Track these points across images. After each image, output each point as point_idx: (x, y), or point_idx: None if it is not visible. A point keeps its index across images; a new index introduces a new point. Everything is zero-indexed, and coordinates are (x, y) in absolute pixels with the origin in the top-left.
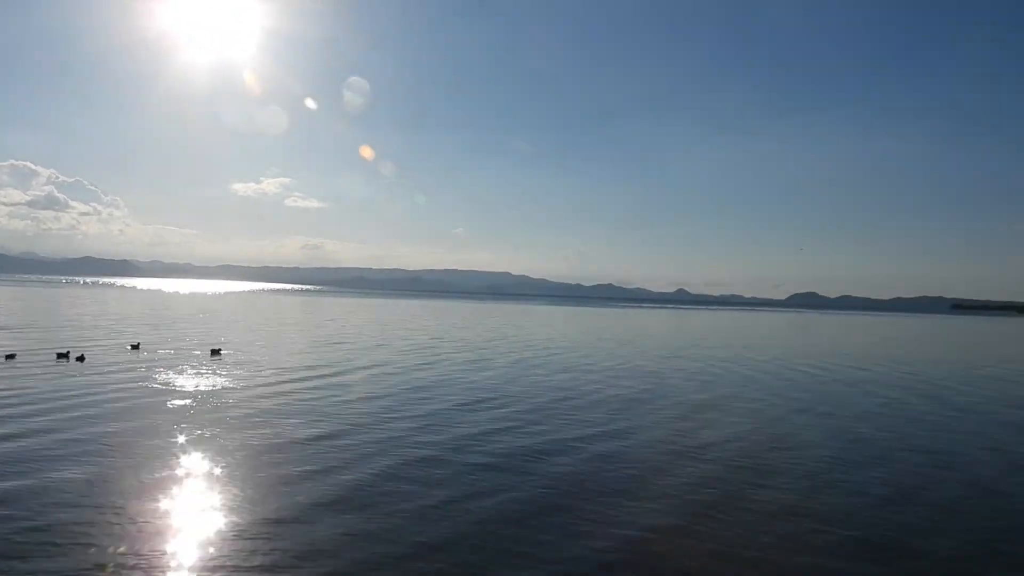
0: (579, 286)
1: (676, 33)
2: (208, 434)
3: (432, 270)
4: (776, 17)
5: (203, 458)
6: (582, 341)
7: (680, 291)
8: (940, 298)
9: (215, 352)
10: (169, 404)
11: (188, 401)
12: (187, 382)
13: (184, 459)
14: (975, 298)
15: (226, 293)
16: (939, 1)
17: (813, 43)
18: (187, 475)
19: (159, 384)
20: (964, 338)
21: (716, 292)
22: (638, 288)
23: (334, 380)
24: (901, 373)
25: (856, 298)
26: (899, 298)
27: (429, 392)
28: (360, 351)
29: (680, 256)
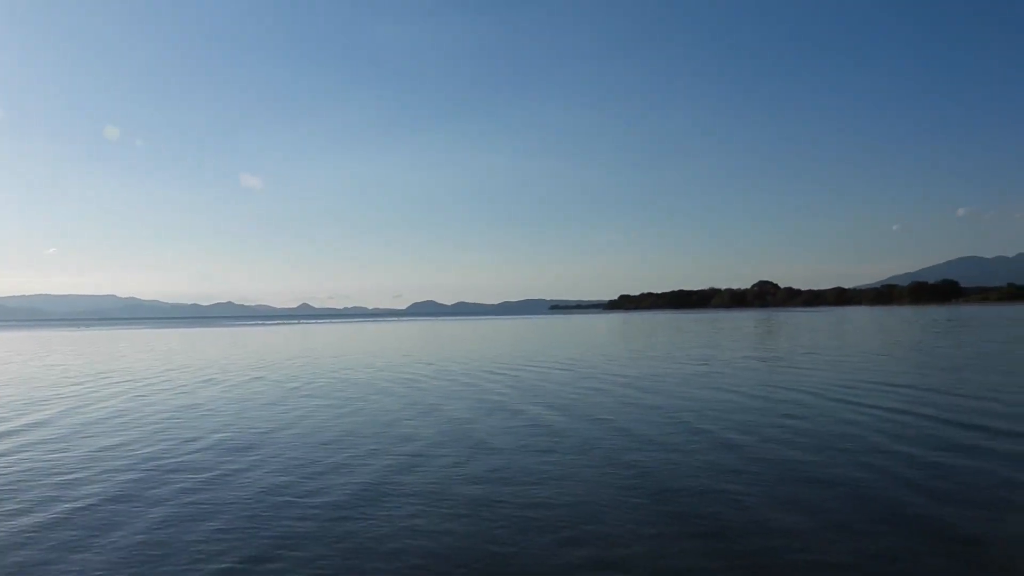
0: (196, 306)
1: (294, 50)
2: None
3: (19, 296)
4: (388, 35)
5: None
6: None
7: (304, 305)
8: (541, 300)
9: None
10: None
11: None
12: None
13: None
14: (569, 298)
15: None
16: (537, 37)
17: (428, 65)
18: None
19: None
20: (531, 332)
21: (341, 305)
22: (260, 304)
23: None
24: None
25: (470, 304)
26: (507, 301)
27: None
28: None
29: (304, 270)
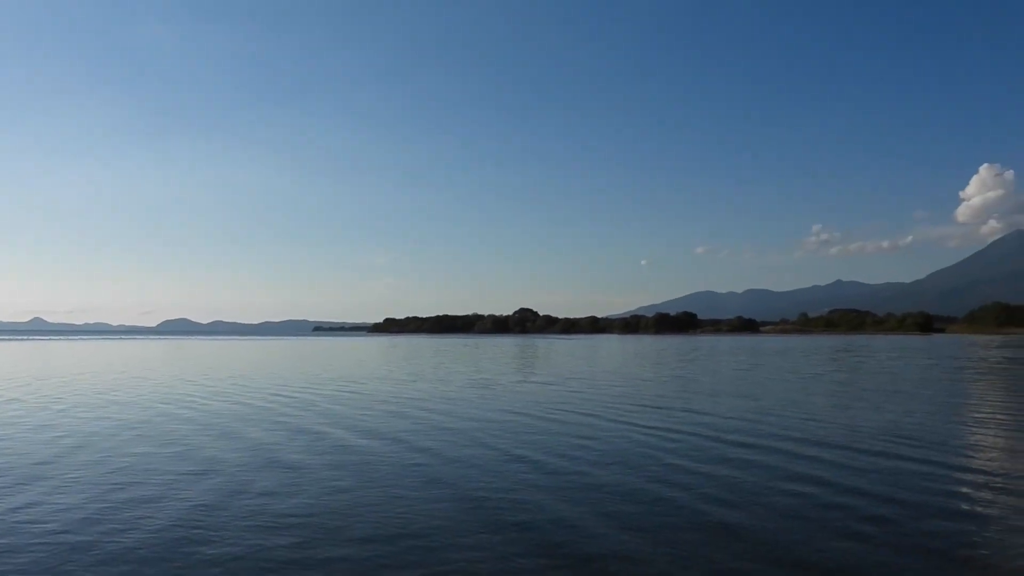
0: None
1: (33, 42)
2: None
3: None
4: (148, 37)
5: None
6: None
7: (37, 320)
8: (304, 321)
9: None
10: None
11: None
12: None
13: None
14: (333, 320)
15: None
16: (308, 54)
17: (190, 72)
18: None
19: None
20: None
21: (81, 320)
22: None
23: None
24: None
25: (227, 323)
26: (268, 322)
27: None
28: None
29: (38, 281)
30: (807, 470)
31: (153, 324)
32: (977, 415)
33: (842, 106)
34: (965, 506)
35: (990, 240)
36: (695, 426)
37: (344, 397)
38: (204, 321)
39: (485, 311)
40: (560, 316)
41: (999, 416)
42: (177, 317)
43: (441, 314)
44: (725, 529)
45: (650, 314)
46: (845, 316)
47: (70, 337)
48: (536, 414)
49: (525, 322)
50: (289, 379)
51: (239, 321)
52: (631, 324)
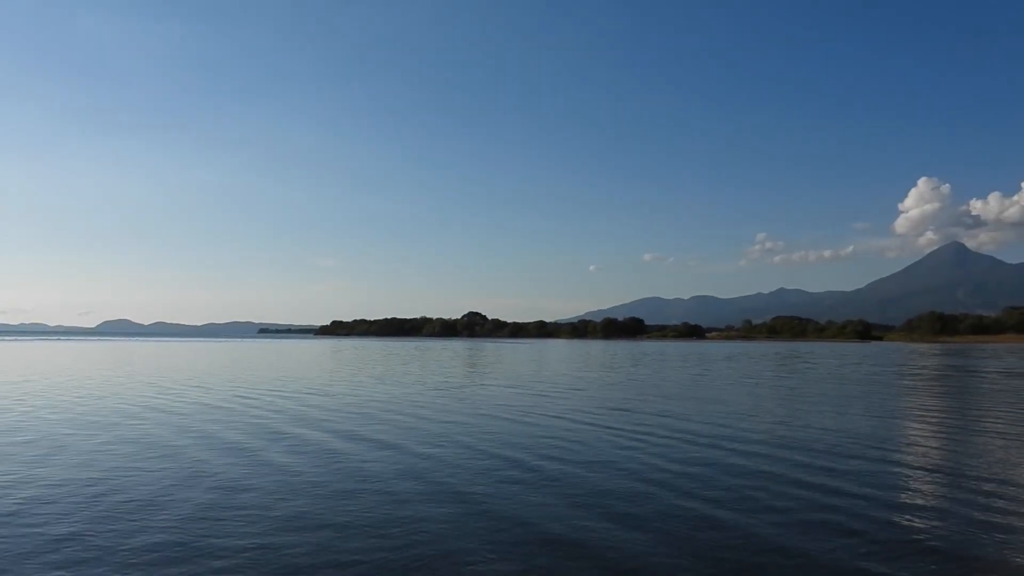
0: None
1: None
2: None
3: None
4: (94, 31)
5: None
6: None
7: None
8: (249, 323)
9: None
10: None
11: None
12: None
13: None
14: (279, 322)
15: None
16: (258, 52)
17: (137, 68)
18: None
19: None
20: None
21: (16, 320)
22: None
23: None
24: None
25: (170, 324)
26: (212, 323)
27: None
28: None
29: None
30: (778, 469)
31: (92, 325)
32: (935, 418)
33: (787, 119)
34: (929, 502)
35: (927, 251)
36: (669, 429)
37: (313, 401)
38: (146, 322)
39: (433, 315)
40: (509, 320)
41: (954, 419)
42: (118, 318)
43: (389, 317)
44: (706, 521)
45: (598, 319)
46: (788, 323)
47: (3, 338)
48: (510, 417)
49: (474, 326)
50: (243, 386)
51: (182, 322)
52: (579, 329)
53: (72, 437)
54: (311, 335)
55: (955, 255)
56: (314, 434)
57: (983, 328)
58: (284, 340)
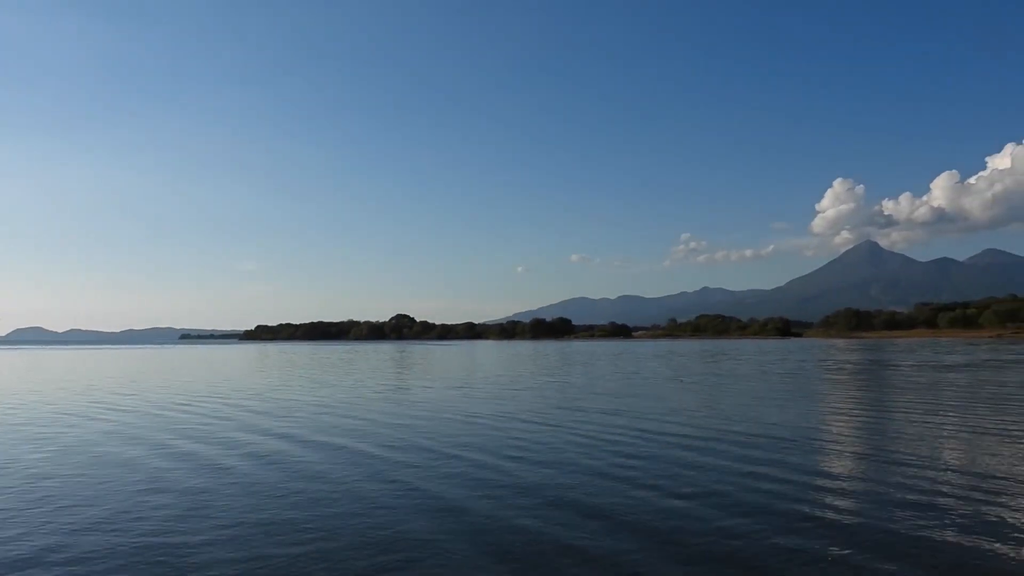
0: None
1: None
2: None
3: None
4: (7, 29)
5: None
6: None
7: None
8: (170, 328)
9: None
10: None
11: None
12: None
13: None
14: (201, 328)
15: None
16: (176, 51)
17: (46, 65)
18: None
19: None
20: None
21: None
22: None
23: None
24: None
25: (85, 331)
26: (131, 329)
27: None
28: None
29: None
30: (726, 461)
31: (3, 333)
32: (862, 409)
33: (709, 121)
34: (870, 486)
35: (843, 250)
36: (618, 426)
37: (258, 407)
38: (60, 329)
39: (361, 318)
40: (437, 322)
41: (881, 410)
42: (29, 325)
43: (315, 321)
44: (667, 512)
45: (526, 320)
46: (711, 321)
47: None
48: (461, 419)
49: (402, 328)
50: (181, 393)
51: (99, 329)
52: (507, 330)
53: (16, 450)
54: (235, 340)
55: (869, 253)
56: (269, 441)
57: (895, 324)
58: (208, 346)
